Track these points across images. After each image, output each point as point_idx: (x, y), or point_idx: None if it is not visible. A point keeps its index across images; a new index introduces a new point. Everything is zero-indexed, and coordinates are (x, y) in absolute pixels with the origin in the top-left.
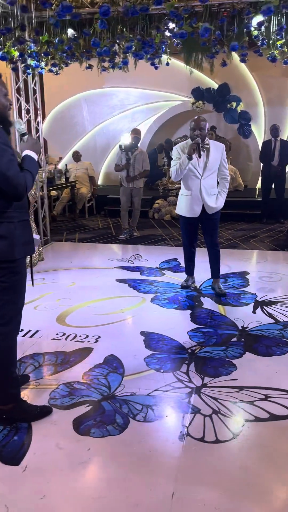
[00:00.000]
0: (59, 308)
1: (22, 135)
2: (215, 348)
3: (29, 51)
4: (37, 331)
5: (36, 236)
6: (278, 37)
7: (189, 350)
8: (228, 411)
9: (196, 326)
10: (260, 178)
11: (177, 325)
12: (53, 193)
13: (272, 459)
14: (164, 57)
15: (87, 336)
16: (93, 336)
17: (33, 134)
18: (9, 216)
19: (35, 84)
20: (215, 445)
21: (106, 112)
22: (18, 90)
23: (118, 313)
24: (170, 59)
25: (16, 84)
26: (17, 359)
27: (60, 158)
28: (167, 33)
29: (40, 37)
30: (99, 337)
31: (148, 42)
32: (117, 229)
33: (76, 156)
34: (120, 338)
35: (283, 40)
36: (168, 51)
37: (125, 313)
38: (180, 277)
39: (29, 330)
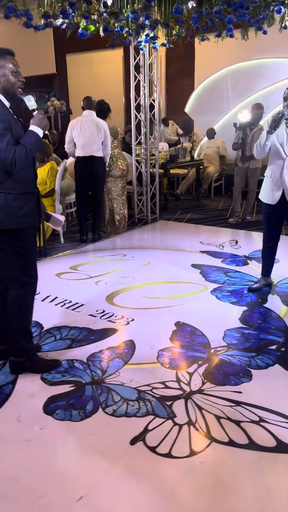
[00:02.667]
0: (118, 285)
1: (32, 111)
2: (243, 353)
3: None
4: (82, 305)
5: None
6: None
7: (212, 350)
8: (204, 425)
9: (240, 325)
10: None
11: (220, 320)
12: (176, 171)
13: (210, 495)
14: None
15: (122, 317)
16: (127, 319)
17: (147, 110)
18: (7, 187)
19: (154, 59)
20: (161, 458)
21: (252, 86)
22: (137, 67)
23: (168, 299)
24: None
25: (135, 61)
26: (48, 328)
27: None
28: None
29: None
30: (132, 320)
31: None
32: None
33: (210, 134)
34: (151, 325)
35: None
36: None
37: (175, 300)
38: None
39: (76, 303)
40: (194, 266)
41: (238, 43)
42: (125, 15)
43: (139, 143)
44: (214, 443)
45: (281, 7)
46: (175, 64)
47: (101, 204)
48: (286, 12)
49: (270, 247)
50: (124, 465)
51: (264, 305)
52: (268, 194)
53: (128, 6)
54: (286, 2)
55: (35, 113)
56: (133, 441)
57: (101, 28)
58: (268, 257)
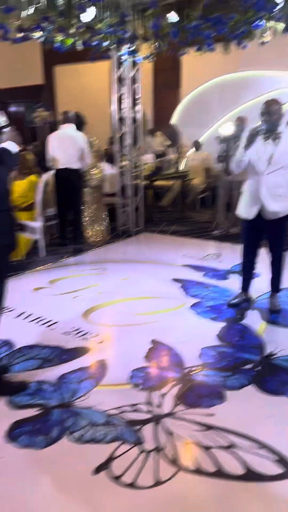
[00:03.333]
0: (95, 301)
1: (1, 128)
2: (218, 373)
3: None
4: (56, 322)
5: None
6: None
7: (187, 370)
8: (172, 451)
9: (217, 343)
10: None
11: (197, 338)
12: (162, 182)
13: None
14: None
15: (97, 335)
16: (102, 337)
17: (128, 122)
18: None
19: (137, 72)
20: (123, 490)
21: (238, 99)
22: (120, 80)
23: (146, 315)
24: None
25: (116, 73)
26: (20, 346)
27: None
28: None
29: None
30: (107, 338)
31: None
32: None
33: (196, 146)
34: (126, 343)
35: None
36: None
37: (153, 316)
38: None
39: (51, 320)
40: (175, 280)
41: (224, 55)
42: (103, 29)
43: (123, 155)
44: (181, 471)
45: (261, 22)
46: (162, 76)
47: (80, 214)
48: (266, 27)
49: (248, 262)
50: (84, 498)
51: (243, 321)
52: (245, 209)
53: (105, 20)
54: (265, 17)
55: (5, 129)
56: (97, 470)
57: (79, 42)
58: (246, 272)
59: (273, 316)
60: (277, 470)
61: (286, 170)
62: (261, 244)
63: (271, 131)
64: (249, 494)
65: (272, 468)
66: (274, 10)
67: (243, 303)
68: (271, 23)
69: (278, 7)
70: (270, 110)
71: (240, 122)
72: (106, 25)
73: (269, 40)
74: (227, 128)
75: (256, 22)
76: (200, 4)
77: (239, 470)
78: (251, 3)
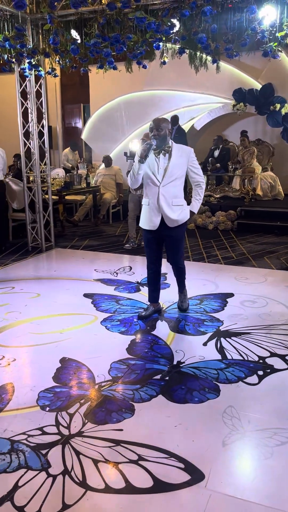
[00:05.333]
0: (2, 322)
1: None
2: (128, 386)
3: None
4: None
5: None
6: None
7: (96, 386)
8: (80, 472)
9: (127, 356)
10: None
11: (107, 352)
12: (73, 197)
13: None
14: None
15: (3, 357)
16: (8, 359)
17: (35, 137)
18: None
19: (40, 87)
20: None
21: (145, 116)
22: (23, 94)
23: (56, 333)
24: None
25: (21, 87)
26: None
27: None
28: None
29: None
30: (14, 360)
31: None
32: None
33: (107, 161)
34: (35, 364)
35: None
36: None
37: (63, 333)
38: None
39: None
40: (86, 295)
41: (129, 74)
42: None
43: (30, 170)
44: (89, 491)
45: (160, 43)
46: (71, 91)
47: None
48: (165, 48)
49: (153, 272)
50: None
51: (152, 332)
52: (147, 221)
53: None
54: (164, 39)
55: None
56: (0, 502)
57: None
58: (152, 283)
59: (181, 325)
60: (183, 478)
61: (180, 181)
62: (162, 254)
63: (161, 146)
64: (157, 507)
65: (179, 476)
66: (171, 32)
67: (153, 315)
68: (169, 45)
69: (175, 29)
70: (159, 126)
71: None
72: (2, 38)
73: (167, 61)
74: (134, 144)
75: (156, 43)
76: (97, 23)
77: (148, 483)
78: (146, 24)
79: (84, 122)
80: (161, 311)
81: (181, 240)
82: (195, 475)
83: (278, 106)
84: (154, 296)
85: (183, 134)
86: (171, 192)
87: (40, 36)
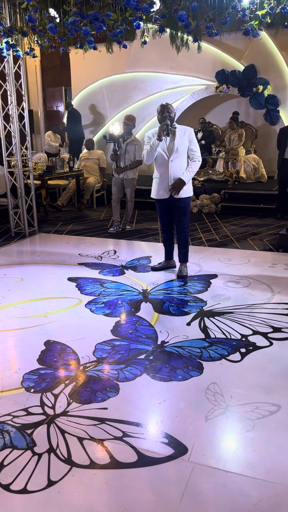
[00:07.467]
0: None
1: None
2: (113, 366)
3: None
4: None
5: None
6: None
7: (81, 367)
8: (65, 450)
9: (111, 337)
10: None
11: (92, 334)
12: (56, 182)
13: None
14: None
15: None
16: None
17: (16, 120)
18: None
19: (19, 68)
20: (15, 496)
21: (128, 99)
22: (2, 75)
23: (40, 317)
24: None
25: None
26: None
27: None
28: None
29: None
30: None
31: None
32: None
33: (89, 145)
34: (19, 347)
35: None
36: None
37: (47, 317)
38: (139, 278)
39: None
40: (70, 279)
41: (111, 56)
42: None
43: (11, 154)
44: (75, 468)
45: (140, 22)
46: (51, 74)
47: None
48: (146, 28)
49: (165, 234)
50: None
51: (137, 313)
52: (157, 192)
53: None
54: (144, 17)
55: None
56: None
57: None
58: (166, 244)
59: (165, 306)
60: (167, 452)
61: (185, 157)
62: (171, 220)
63: (170, 126)
64: (141, 480)
65: (162, 451)
66: (151, 10)
67: (166, 269)
68: (150, 25)
69: (155, 7)
70: (169, 109)
71: (128, 121)
72: None
73: (148, 41)
74: (115, 128)
75: (137, 22)
76: (75, 0)
77: (132, 458)
78: (124, 1)
79: (67, 106)
80: (174, 267)
81: (186, 209)
82: (179, 449)
83: (261, 88)
84: (168, 254)
85: None
86: (177, 166)
87: (18, 15)
